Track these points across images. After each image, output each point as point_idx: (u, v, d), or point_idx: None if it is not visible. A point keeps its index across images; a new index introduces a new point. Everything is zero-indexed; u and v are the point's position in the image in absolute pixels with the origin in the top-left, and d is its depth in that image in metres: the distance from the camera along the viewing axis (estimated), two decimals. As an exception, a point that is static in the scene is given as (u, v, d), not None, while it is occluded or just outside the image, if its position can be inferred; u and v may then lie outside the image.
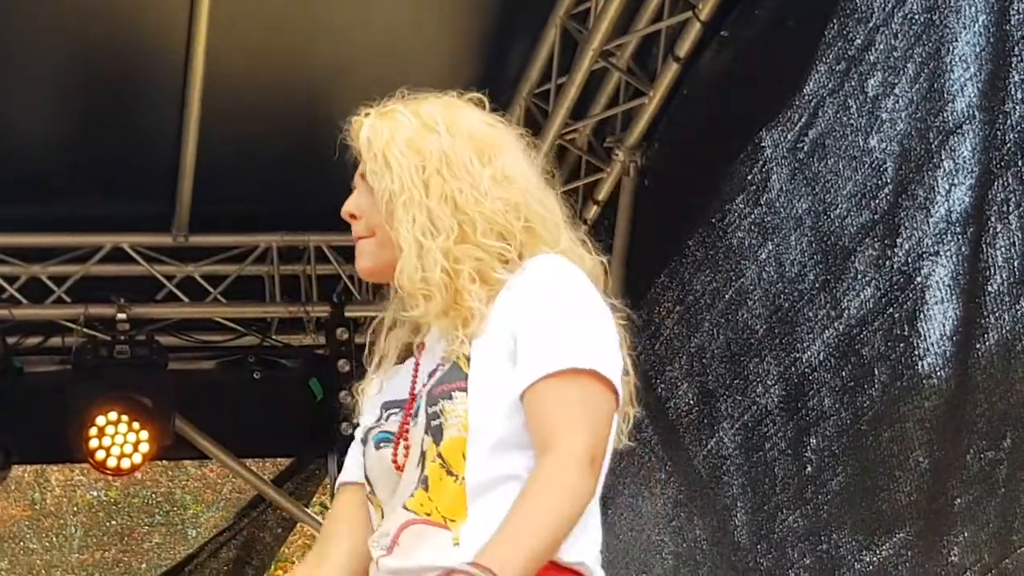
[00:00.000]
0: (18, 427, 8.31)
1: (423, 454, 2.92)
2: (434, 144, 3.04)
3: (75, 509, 15.25)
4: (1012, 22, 4.92)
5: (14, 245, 8.47)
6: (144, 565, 12.00)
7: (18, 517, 15.06)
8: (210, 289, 8.70)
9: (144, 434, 8.34)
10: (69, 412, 8.32)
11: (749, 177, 6.72)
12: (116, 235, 8.55)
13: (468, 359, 2.98)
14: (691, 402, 7.29)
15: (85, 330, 8.46)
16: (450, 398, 2.95)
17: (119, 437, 8.31)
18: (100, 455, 8.32)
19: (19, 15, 7.38)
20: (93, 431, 8.28)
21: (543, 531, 2.83)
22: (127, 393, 8.35)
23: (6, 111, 7.96)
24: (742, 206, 6.78)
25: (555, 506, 2.81)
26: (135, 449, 8.34)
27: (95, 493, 14.52)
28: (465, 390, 2.92)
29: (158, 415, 8.40)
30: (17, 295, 8.41)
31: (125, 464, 8.40)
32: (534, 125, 7.97)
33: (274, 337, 8.78)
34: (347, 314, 8.67)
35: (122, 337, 8.42)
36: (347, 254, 8.83)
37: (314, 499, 9.11)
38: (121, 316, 8.42)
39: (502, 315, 2.93)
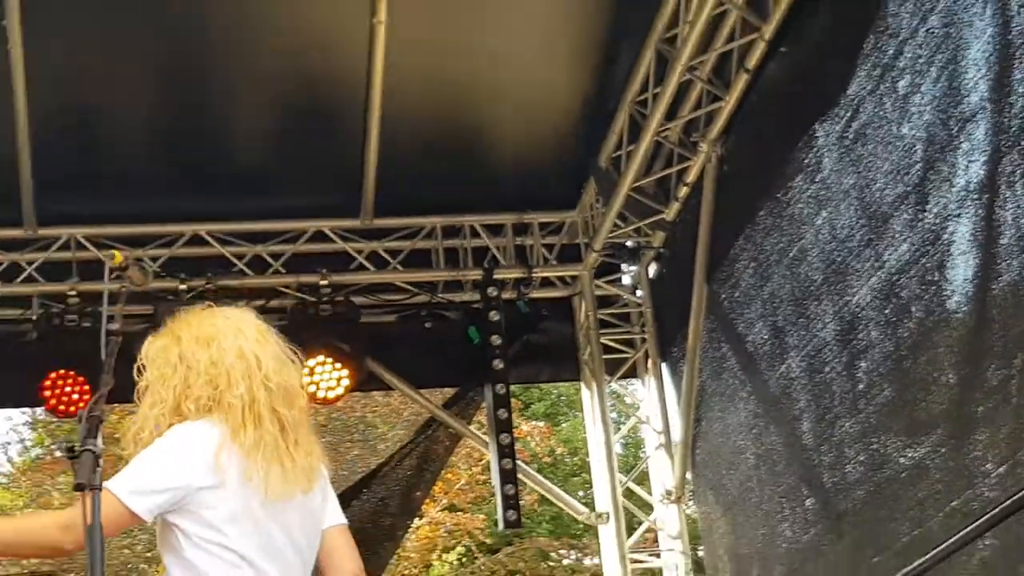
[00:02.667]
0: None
1: None
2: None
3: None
4: (1013, 32, 4.96)
5: (242, 230, 8.58)
6: (346, 472, 12.09)
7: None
8: (390, 260, 8.74)
9: (344, 372, 8.39)
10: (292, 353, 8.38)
11: (805, 160, 6.67)
12: (318, 221, 8.63)
13: None
14: (764, 337, 7.25)
15: (297, 294, 8.52)
16: None
17: (325, 375, 8.38)
18: (311, 389, 8.36)
19: (248, 53, 7.51)
20: (308, 369, 8.34)
21: None
22: (330, 341, 8.41)
23: (236, 128, 8.10)
24: (801, 183, 6.74)
25: None
26: (338, 384, 8.40)
27: (310, 420, 14.65)
28: None
29: (354, 357, 8.46)
30: (245, 268, 8.50)
31: (331, 395, 8.46)
32: (636, 126, 7.95)
33: (440, 295, 8.78)
34: (495, 276, 8.67)
35: (324, 299, 8.47)
36: (495, 230, 8.85)
37: (474, 419, 9.11)
38: (323, 283, 8.48)
39: None
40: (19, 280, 8.36)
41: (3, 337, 8.36)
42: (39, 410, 13.56)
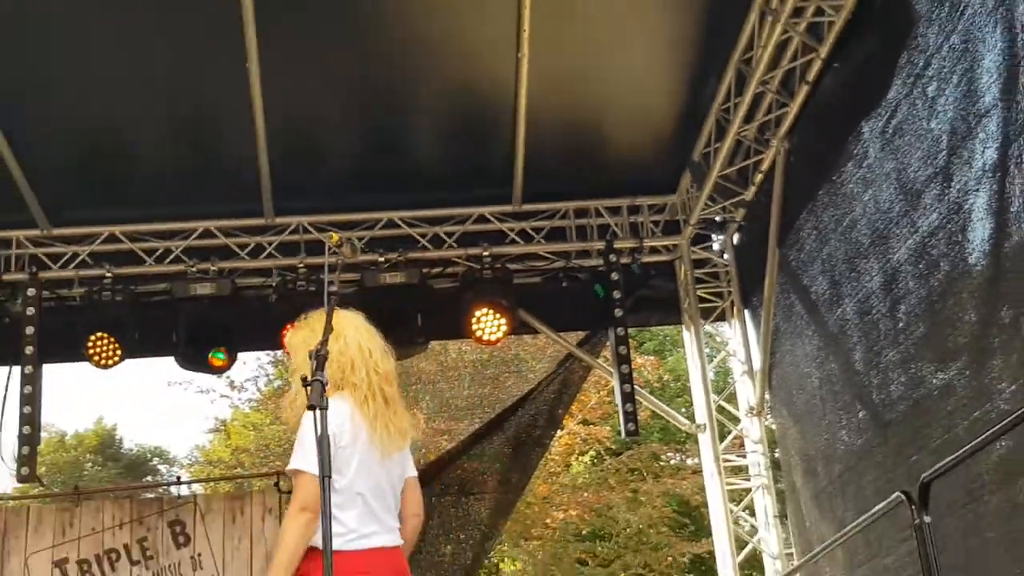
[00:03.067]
0: (430, 319, 8.46)
1: None
2: None
3: (464, 364, 15.58)
4: (1018, 45, 4.90)
5: (424, 216, 8.69)
6: (505, 396, 12.17)
7: (433, 371, 15.46)
8: (534, 235, 8.77)
9: (502, 320, 8.44)
10: (461, 309, 8.46)
11: (855, 151, 6.58)
12: (480, 207, 8.68)
13: None
14: (824, 288, 7.17)
15: (466, 263, 8.59)
16: None
17: (488, 323, 8.43)
18: (479, 333, 8.44)
19: (429, 80, 7.60)
20: (475, 319, 8.42)
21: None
22: (491, 298, 8.47)
23: (419, 138, 8.17)
24: (851, 168, 6.64)
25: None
26: (498, 329, 8.45)
27: (475, 356, 14.78)
28: None
29: (509, 309, 8.50)
30: (427, 244, 8.60)
31: (493, 338, 8.51)
32: (721, 128, 7.89)
33: (573, 261, 8.80)
34: (615, 246, 8.68)
35: (486, 266, 8.53)
36: (614, 211, 8.84)
37: (600, 354, 9.12)
38: (485, 254, 8.53)
39: None
40: (262, 256, 8.55)
41: (252, 299, 8.55)
42: (278, 352, 13.87)
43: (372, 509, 3.80)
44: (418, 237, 8.62)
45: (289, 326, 8.15)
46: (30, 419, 8.10)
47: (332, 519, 3.66)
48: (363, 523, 3.77)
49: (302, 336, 3.96)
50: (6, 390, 8.18)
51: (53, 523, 8.31)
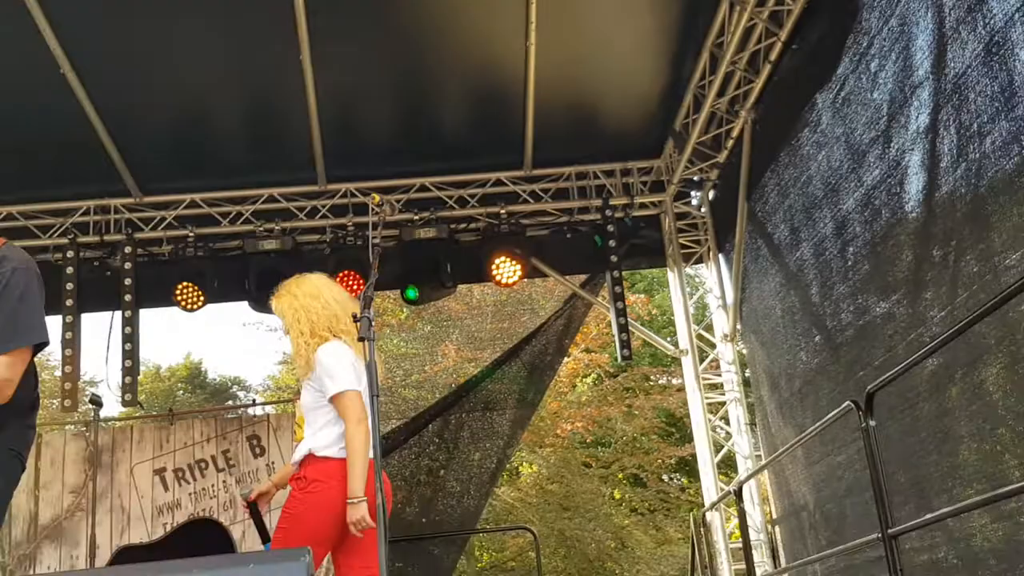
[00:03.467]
0: (457, 267, 8.49)
1: None
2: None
3: (487, 304, 15.63)
4: (946, 27, 4.81)
5: (450, 181, 8.68)
6: (521, 330, 12.21)
7: (460, 310, 15.51)
8: (542, 195, 8.76)
9: (517, 266, 8.44)
10: (483, 258, 8.47)
11: (810, 118, 6.53)
12: (497, 172, 8.67)
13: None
14: (785, 233, 7.15)
15: (486, 219, 8.59)
16: None
17: (506, 268, 8.44)
18: (498, 277, 8.45)
19: (453, 64, 7.53)
20: (494, 266, 8.43)
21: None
22: (509, 248, 8.47)
23: (445, 115, 8.14)
24: (807, 134, 6.60)
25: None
26: (514, 274, 8.46)
27: (495, 297, 14.82)
28: None
29: (523, 257, 8.51)
30: (454, 204, 8.60)
31: (509, 281, 8.52)
32: (698, 102, 7.83)
33: (576, 216, 8.79)
34: (610, 203, 8.65)
35: (503, 222, 8.53)
36: (608, 173, 8.81)
37: (599, 293, 9.14)
38: (502, 212, 8.53)
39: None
40: (317, 217, 8.56)
41: (309, 252, 8.57)
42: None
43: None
44: (446, 199, 8.61)
45: (341, 273, 8.27)
46: (130, 355, 8.18)
47: (338, 427, 3.87)
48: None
49: (286, 301, 4.15)
50: (110, 331, 8.25)
51: (152, 439, 8.41)
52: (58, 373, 9.09)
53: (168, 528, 8.07)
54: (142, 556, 7.51)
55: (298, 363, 4.12)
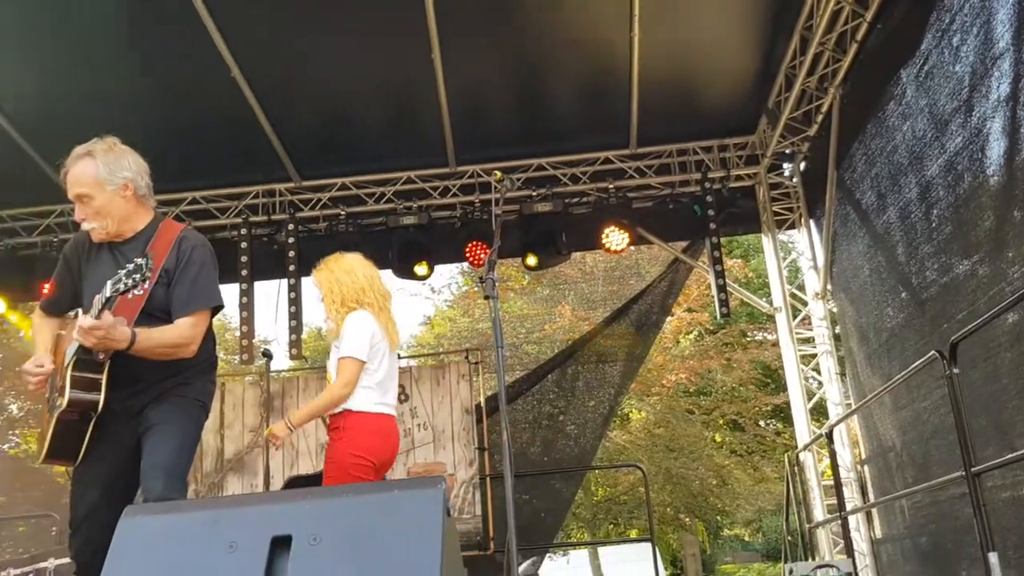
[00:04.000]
0: (571, 236, 8.45)
1: None
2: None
3: (598, 269, 15.57)
4: None
5: (564, 160, 8.60)
6: (628, 292, 12.13)
7: (575, 275, 15.48)
8: (647, 171, 8.63)
9: (625, 234, 8.38)
10: (594, 228, 8.43)
11: (895, 92, 6.23)
12: (605, 151, 8.58)
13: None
14: (872, 199, 6.87)
15: (596, 193, 8.51)
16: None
17: (614, 236, 8.39)
18: (608, 245, 8.40)
19: (564, 53, 7.44)
20: (604, 235, 8.38)
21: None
22: (617, 218, 8.40)
23: (557, 101, 8.01)
24: (892, 106, 6.30)
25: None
26: (622, 241, 8.40)
27: (606, 263, 14.74)
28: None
29: (630, 226, 8.44)
30: (567, 181, 8.53)
31: (618, 248, 8.47)
32: (789, 82, 7.58)
33: (678, 189, 8.63)
34: (708, 175, 8.47)
35: (611, 195, 8.44)
36: (707, 149, 8.62)
37: (699, 258, 8.98)
38: (611, 186, 8.44)
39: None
40: (449, 195, 8.64)
41: (443, 226, 8.66)
42: (464, 264, 13.99)
43: (388, 388, 4.14)
44: (560, 176, 8.57)
45: (470, 244, 8.35)
46: (295, 316, 8.45)
47: (368, 389, 3.95)
48: (384, 396, 4.11)
49: (324, 275, 4.30)
50: (278, 296, 8.55)
51: (314, 387, 8.69)
52: (237, 333, 9.46)
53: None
54: (308, 483, 7.78)
55: (330, 328, 4.24)
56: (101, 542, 2.40)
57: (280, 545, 2.28)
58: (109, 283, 2.90)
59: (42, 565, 4.84)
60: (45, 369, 3.02)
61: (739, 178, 8.70)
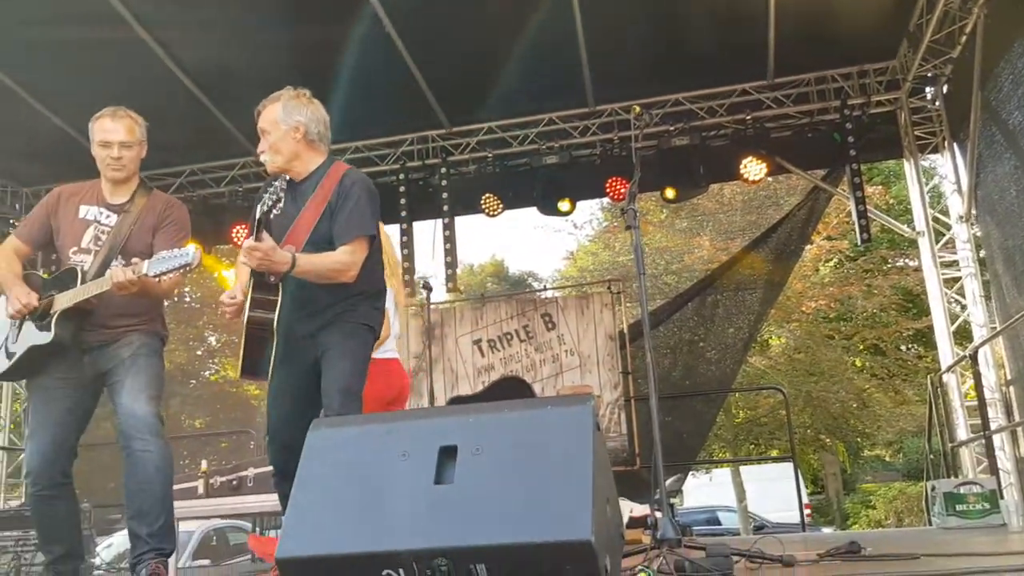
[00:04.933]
0: (709, 168, 8.23)
1: None
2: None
3: (736, 200, 15.11)
4: None
5: (698, 95, 8.30)
6: (767, 222, 11.71)
7: (713, 206, 15.09)
8: (784, 101, 8.23)
9: (762, 165, 8.06)
10: (731, 159, 8.19)
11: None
12: (742, 84, 8.25)
13: None
14: (1020, 119, 6.35)
15: (734, 126, 8.22)
16: None
17: (752, 167, 8.10)
18: (745, 176, 8.08)
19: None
20: (742, 166, 8.11)
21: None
22: (755, 149, 8.08)
23: (688, 36, 7.70)
24: None
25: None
26: (759, 172, 8.10)
27: (744, 193, 14.20)
28: None
29: (767, 156, 8.13)
30: (704, 116, 8.28)
31: (755, 179, 8.18)
32: (930, 4, 7.03)
33: (816, 117, 8.22)
34: (848, 102, 8.03)
35: (748, 127, 8.13)
36: (846, 76, 8.16)
37: (839, 185, 8.57)
38: (748, 118, 8.11)
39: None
40: (588, 134, 8.57)
41: (584, 164, 8.59)
42: (605, 200, 13.81)
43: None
44: (697, 111, 8.32)
45: (610, 180, 8.27)
46: (450, 252, 8.69)
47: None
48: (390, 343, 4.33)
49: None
50: (434, 235, 8.80)
51: (470, 318, 8.96)
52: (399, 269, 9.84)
53: (485, 384, 8.65)
54: (468, 403, 8.12)
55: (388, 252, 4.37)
56: (294, 449, 2.61)
57: (447, 454, 2.42)
58: (258, 207, 3.15)
59: (243, 474, 5.27)
60: (237, 300, 3.26)
61: (879, 104, 8.20)
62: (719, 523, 16.56)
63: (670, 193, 8.40)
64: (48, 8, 6.58)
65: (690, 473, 16.35)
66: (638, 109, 3.81)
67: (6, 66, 7.33)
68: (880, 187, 16.82)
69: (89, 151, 3.68)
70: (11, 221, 9.01)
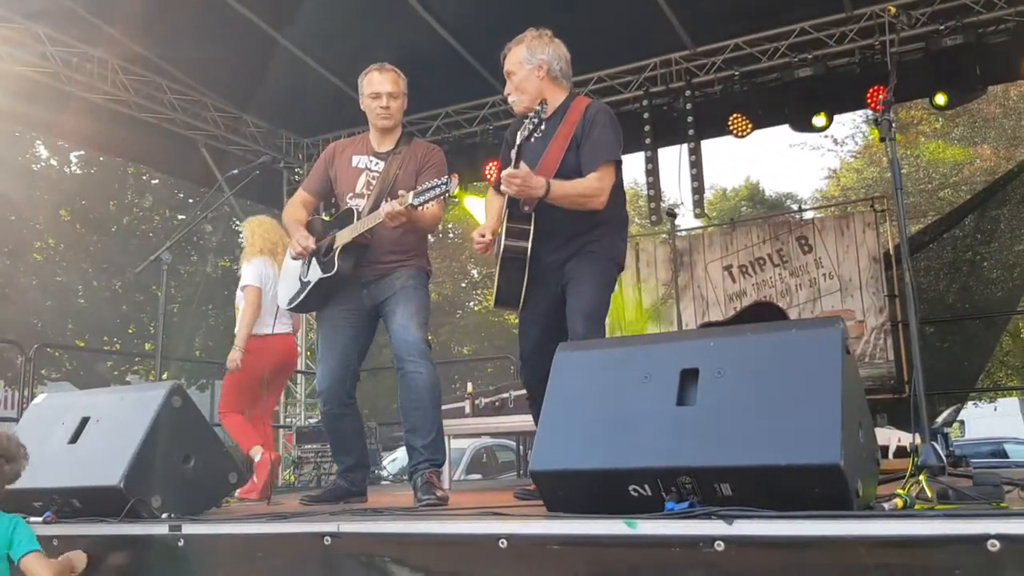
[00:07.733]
0: (986, 70, 7.32)
1: None
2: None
3: (1017, 101, 13.37)
4: None
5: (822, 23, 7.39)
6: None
7: (994, 111, 13.44)
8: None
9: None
10: (1015, 56, 7.23)
11: None
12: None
13: None
14: None
15: (1017, 19, 7.22)
16: None
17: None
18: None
19: None
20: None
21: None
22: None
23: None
24: None
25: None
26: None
27: None
28: None
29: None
30: (981, 9, 7.34)
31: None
32: None
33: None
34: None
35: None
36: None
37: None
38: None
39: None
40: (846, 41, 7.83)
41: (842, 74, 7.92)
42: (868, 112, 12.61)
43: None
44: (971, 4, 7.36)
45: (871, 90, 7.60)
46: (696, 177, 8.48)
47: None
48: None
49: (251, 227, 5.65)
50: (679, 160, 8.60)
51: (720, 243, 8.78)
52: (644, 196, 9.78)
53: (737, 310, 8.47)
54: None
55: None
56: (544, 371, 2.77)
57: (688, 377, 2.45)
58: (519, 134, 3.37)
59: (504, 396, 5.64)
60: (487, 237, 3.48)
61: None
62: (1006, 455, 15.17)
63: (940, 99, 7.58)
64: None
65: (970, 402, 15.06)
66: (893, 9, 3.50)
67: (289, 34, 8.09)
68: None
69: (357, 103, 4.06)
70: (295, 169, 10.02)
